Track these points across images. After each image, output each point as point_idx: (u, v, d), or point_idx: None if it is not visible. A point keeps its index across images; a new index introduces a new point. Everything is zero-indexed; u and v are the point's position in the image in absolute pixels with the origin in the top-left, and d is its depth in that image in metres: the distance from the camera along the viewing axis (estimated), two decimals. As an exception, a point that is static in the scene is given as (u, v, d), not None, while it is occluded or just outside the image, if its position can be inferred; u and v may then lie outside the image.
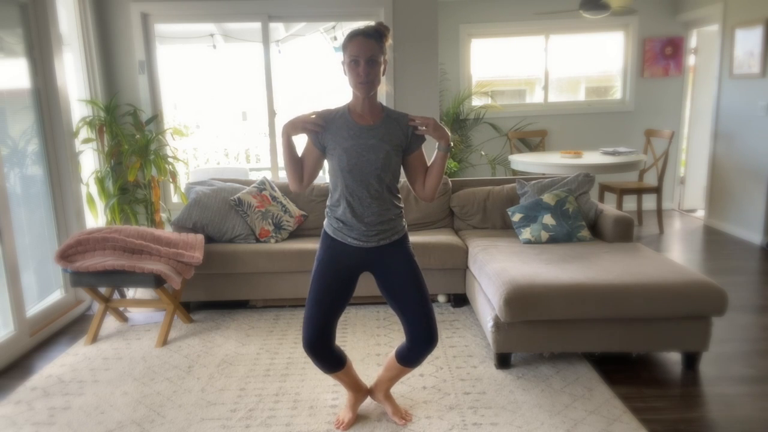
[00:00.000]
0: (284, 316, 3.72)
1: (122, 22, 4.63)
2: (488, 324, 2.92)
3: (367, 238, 2.19)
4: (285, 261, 3.67)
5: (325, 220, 2.29)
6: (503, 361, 2.92)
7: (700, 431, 2.38)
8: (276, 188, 4.14)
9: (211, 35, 6.16)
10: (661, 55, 6.49)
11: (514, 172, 5.87)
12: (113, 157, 4.44)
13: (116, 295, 3.80)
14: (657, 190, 5.67)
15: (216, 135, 8.09)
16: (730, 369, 2.89)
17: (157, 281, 3.22)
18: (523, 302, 2.71)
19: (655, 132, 5.94)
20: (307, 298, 2.24)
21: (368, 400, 2.57)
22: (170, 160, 4.61)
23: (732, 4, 5.44)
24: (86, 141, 4.24)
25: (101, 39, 4.58)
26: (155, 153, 4.46)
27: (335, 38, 6.70)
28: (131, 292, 3.98)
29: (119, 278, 3.23)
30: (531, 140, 6.68)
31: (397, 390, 2.66)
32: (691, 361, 2.90)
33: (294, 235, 4.06)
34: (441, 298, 3.89)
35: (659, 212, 5.74)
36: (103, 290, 3.53)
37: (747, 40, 5.18)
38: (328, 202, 2.27)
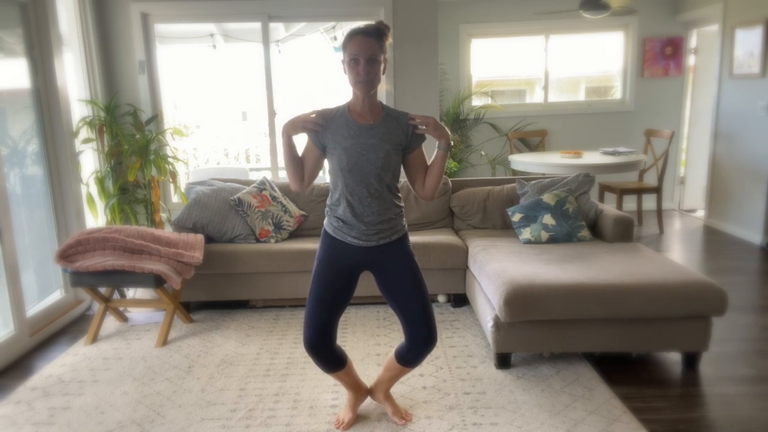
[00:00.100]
0: (284, 316, 3.72)
1: (122, 22, 4.63)
2: (488, 324, 2.92)
3: (367, 237, 2.19)
4: (285, 261, 3.67)
5: (326, 219, 2.29)
6: (503, 361, 2.92)
7: (700, 431, 2.38)
8: (276, 188, 4.14)
9: (211, 35, 6.16)
10: (661, 55, 6.49)
11: (514, 172, 5.87)
12: (113, 157, 4.44)
13: (116, 295, 3.80)
14: (657, 190, 5.67)
15: (216, 135, 8.09)
16: (730, 369, 2.89)
17: (157, 281, 3.22)
18: (523, 302, 2.71)
19: (655, 132, 5.94)
20: (307, 297, 2.24)
21: (368, 400, 2.57)
22: (170, 160, 4.61)
23: (732, 4, 5.44)
24: (86, 141, 4.24)
25: (101, 39, 4.58)
26: (155, 153, 4.46)
27: (335, 38, 6.70)
28: (131, 292, 3.98)
29: (119, 278, 3.23)
30: (531, 140, 6.68)
31: (397, 390, 2.66)
32: (691, 361, 2.90)
33: (294, 235, 4.06)
34: (441, 298, 3.89)
35: (659, 212, 5.74)
36: (103, 290, 3.53)
37: (747, 40, 5.19)
38: (328, 202, 2.27)
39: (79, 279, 3.22)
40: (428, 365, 2.95)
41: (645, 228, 5.87)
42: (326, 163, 2.24)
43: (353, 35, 2.07)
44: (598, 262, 3.09)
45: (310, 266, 2.33)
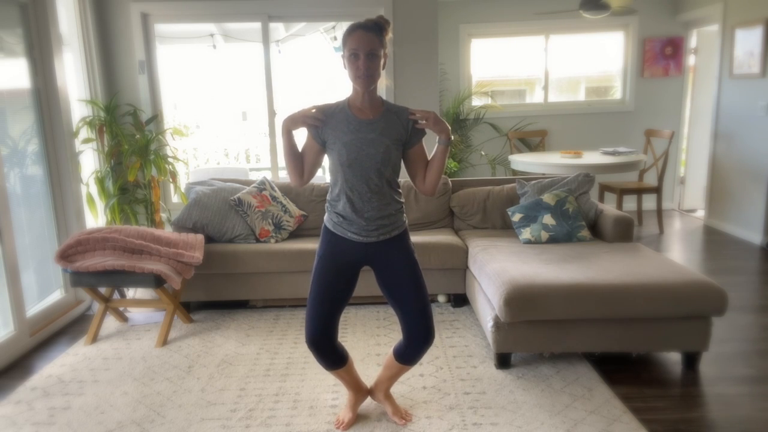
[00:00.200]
0: (284, 316, 3.72)
1: (122, 22, 4.63)
2: (488, 324, 2.92)
3: (367, 233, 2.18)
4: (285, 261, 3.67)
5: (326, 214, 2.28)
6: (503, 361, 2.92)
7: (700, 431, 2.38)
8: (276, 188, 4.14)
9: (211, 35, 6.16)
10: (661, 55, 6.49)
11: (514, 172, 5.87)
12: (113, 157, 4.44)
13: (116, 295, 3.80)
14: (657, 190, 5.67)
15: (216, 135, 8.09)
16: (730, 369, 2.89)
17: (157, 281, 3.22)
18: (523, 302, 2.71)
19: (655, 132, 5.94)
20: (308, 293, 2.24)
21: (368, 400, 2.57)
22: (170, 160, 4.61)
23: (732, 4, 5.44)
24: (86, 141, 4.24)
25: (101, 39, 4.58)
26: (155, 153, 4.46)
27: (335, 38, 6.70)
28: (131, 292, 3.98)
29: (119, 278, 3.23)
30: (531, 140, 6.68)
31: (397, 390, 2.66)
32: (691, 361, 2.90)
33: (294, 235, 4.06)
34: (441, 298, 3.89)
35: (659, 212, 5.74)
36: (103, 290, 3.53)
37: (747, 40, 5.19)
38: (328, 197, 2.26)
39: (79, 279, 3.22)
40: (428, 365, 2.95)
41: (645, 228, 5.87)
42: (326, 159, 2.24)
43: (353, 30, 2.06)
44: (598, 262, 3.09)
45: (310, 266, 2.33)
